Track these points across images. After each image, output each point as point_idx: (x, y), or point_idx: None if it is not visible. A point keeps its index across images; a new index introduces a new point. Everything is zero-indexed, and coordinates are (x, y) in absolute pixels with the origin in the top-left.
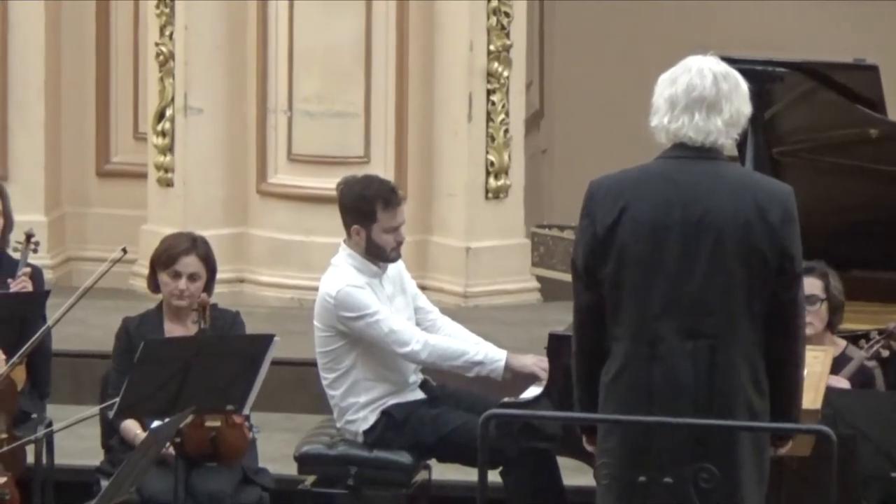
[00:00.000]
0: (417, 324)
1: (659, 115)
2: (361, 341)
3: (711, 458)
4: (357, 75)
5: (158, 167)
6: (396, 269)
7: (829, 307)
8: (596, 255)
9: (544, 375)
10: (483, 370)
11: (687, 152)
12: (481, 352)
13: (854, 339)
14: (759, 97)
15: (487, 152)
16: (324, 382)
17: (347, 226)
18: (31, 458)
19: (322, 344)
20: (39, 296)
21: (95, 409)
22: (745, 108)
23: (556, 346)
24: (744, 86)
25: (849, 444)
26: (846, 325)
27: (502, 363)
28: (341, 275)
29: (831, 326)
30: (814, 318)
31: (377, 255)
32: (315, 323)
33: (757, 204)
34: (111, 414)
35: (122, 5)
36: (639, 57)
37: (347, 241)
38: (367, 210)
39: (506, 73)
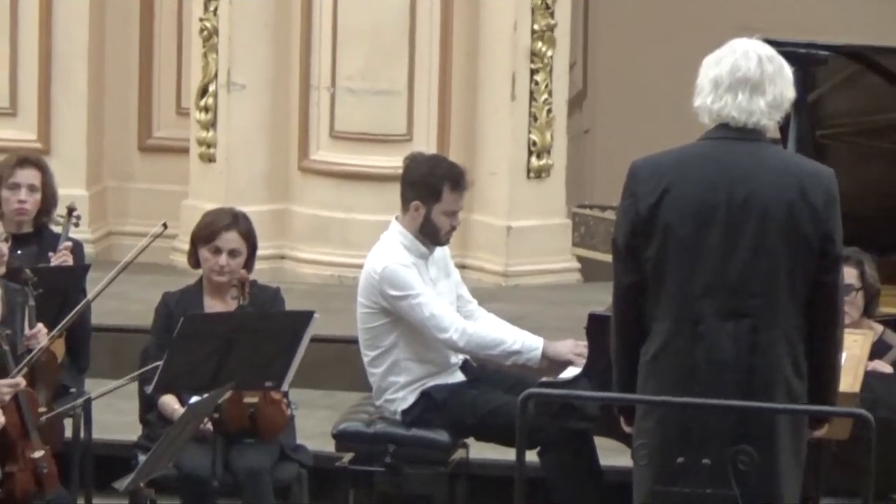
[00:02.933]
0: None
1: (702, 96)
2: (403, 321)
3: (750, 439)
4: (401, 53)
5: (201, 142)
6: (442, 253)
7: (864, 295)
8: (638, 235)
9: (580, 363)
10: (520, 359)
11: (730, 133)
12: (518, 340)
13: (895, 323)
14: (803, 80)
15: (530, 132)
16: (364, 360)
17: (407, 200)
18: (69, 433)
19: (364, 320)
20: (80, 270)
21: (133, 375)
22: (789, 91)
23: (595, 326)
24: (788, 70)
25: (888, 428)
26: (886, 309)
27: (539, 352)
28: (389, 251)
29: (868, 313)
30: (849, 307)
31: (430, 235)
32: (359, 298)
33: (800, 186)
34: (150, 388)
35: None
36: (682, 38)
37: (401, 217)
38: (434, 188)
39: (549, 53)
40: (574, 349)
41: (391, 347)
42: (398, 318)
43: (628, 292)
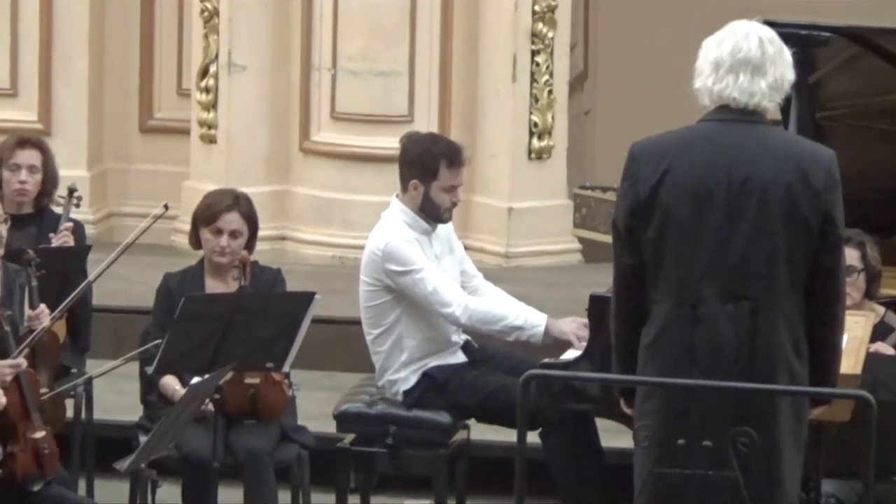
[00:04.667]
0: (461, 287)
1: (703, 77)
2: (406, 298)
3: (751, 421)
4: (402, 34)
5: (202, 124)
6: (446, 229)
7: (866, 277)
8: (638, 217)
9: (580, 346)
10: (523, 335)
11: (730, 115)
12: (521, 316)
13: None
14: (804, 62)
15: (531, 113)
16: (367, 338)
17: (405, 180)
18: (70, 413)
19: (367, 299)
20: (81, 251)
21: (131, 354)
22: (789, 73)
23: (596, 307)
24: (787, 52)
25: (889, 410)
26: (888, 291)
27: (542, 328)
28: (391, 228)
29: (869, 295)
30: (851, 289)
31: (431, 213)
32: (361, 277)
33: (801, 168)
34: (150, 369)
35: None
36: (683, 19)
37: (401, 195)
38: (431, 166)
39: (550, 34)
40: (577, 330)
41: (394, 324)
42: (401, 294)
43: (628, 274)
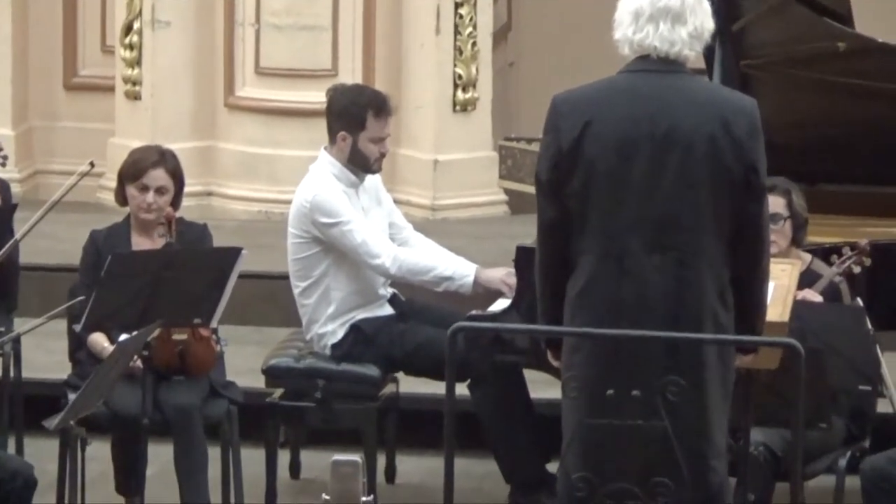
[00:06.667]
0: (390, 239)
1: (623, 28)
2: (334, 249)
3: (679, 370)
4: None
5: (126, 80)
6: (374, 181)
7: (792, 224)
8: (561, 170)
9: (510, 294)
10: (452, 285)
11: (651, 65)
12: (450, 267)
13: (824, 252)
14: (728, 9)
15: (455, 65)
16: (295, 291)
17: (333, 132)
18: None
19: (295, 251)
20: (7, 210)
21: (56, 311)
22: (709, 22)
23: (523, 258)
24: (707, 2)
25: (818, 358)
26: (815, 238)
27: (471, 278)
28: (319, 180)
29: (796, 242)
30: (777, 237)
31: (360, 164)
32: (289, 229)
33: (723, 117)
34: (78, 327)
35: None
36: None
37: (329, 148)
38: (358, 117)
39: None
40: (506, 278)
41: (322, 276)
42: (329, 246)
43: (552, 227)
